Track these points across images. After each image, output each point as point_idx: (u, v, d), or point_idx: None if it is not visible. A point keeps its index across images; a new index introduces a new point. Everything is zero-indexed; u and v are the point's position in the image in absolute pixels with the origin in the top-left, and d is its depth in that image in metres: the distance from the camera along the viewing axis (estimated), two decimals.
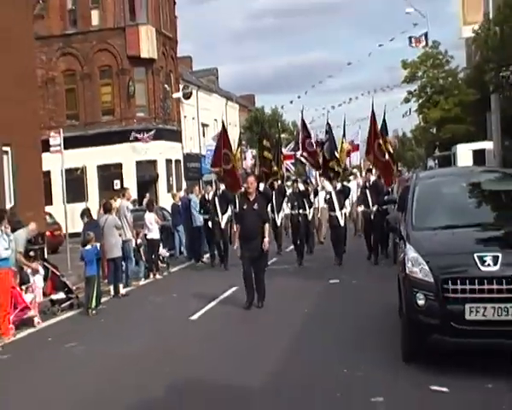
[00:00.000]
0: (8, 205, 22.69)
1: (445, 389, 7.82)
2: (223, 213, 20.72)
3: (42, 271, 15.32)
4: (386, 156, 20.83)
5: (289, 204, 21.98)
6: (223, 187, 21.30)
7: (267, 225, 14.29)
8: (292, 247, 21.56)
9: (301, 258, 20.30)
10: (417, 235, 9.41)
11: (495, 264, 8.28)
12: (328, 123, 24.34)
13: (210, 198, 21.27)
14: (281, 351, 10.23)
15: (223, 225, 20.68)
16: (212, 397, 8.34)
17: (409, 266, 8.86)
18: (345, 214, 21.04)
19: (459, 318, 8.24)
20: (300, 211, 21.01)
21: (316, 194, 23.14)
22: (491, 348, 8.38)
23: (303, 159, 25.09)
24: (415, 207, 10.09)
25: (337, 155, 23.90)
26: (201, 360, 10.23)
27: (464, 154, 33.71)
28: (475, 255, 8.37)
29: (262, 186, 21.47)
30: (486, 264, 8.29)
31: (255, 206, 13.84)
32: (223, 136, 22.34)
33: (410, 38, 44.56)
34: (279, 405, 7.86)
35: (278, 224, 22.67)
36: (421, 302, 8.52)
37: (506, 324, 8.13)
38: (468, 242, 8.87)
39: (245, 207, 14.11)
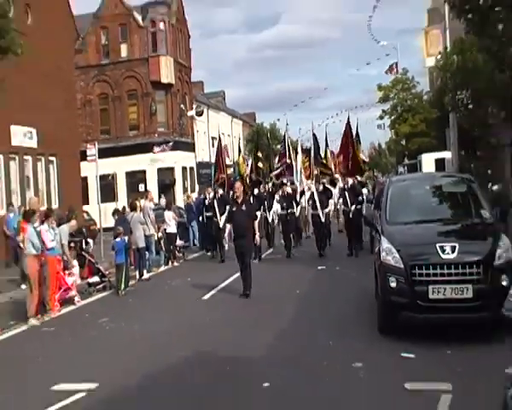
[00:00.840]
0: (54, 205, 22.86)
1: (412, 356, 7.89)
2: (221, 215, 19.53)
3: (76, 263, 15.40)
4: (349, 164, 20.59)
5: (280, 205, 21.14)
6: (221, 191, 20.62)
7: (256, 223, 13.93)
8: (282, 241, 20.82)
9: (289, 250, 19.64)
10: (390, 229, 9.45)
11: (453, 252, 8.35)
12: (313, 134, 24.13)
13: (210, 198, 20.60)
14: (277, 327, 10.24)
15: (221, 225, 19.25)
16: (219, 362, 8.37)
17: (383, 255, 8.92)
18: (328, 213, 20.56)
19: (424, 297, 8.31)
20: (289, 210, 20.24)
21: (302, 195, 22.66)
22: (450, 322, 8.47)
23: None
24: (388, 206, 10.12)
25: (323, 160, 23.77)
26: (211, 333, 10.26)
27: (428, 162, 33.69)
28: (437, 245, 8.44)
29: (256, 191, 21.36)
30: (446, 252, 8.36)
31: (243, 207, 13.34)
32: (220, 149, 22.42)
33: (387, 69, 44.04)
34: (274, 372, 7.84)
35: (270, 221, 21.59)
36: (393, 285, 8.59)
37: (461, 301, 8.24)
38: (431, 234, 8.94)
39: (234, 209, 13.55)
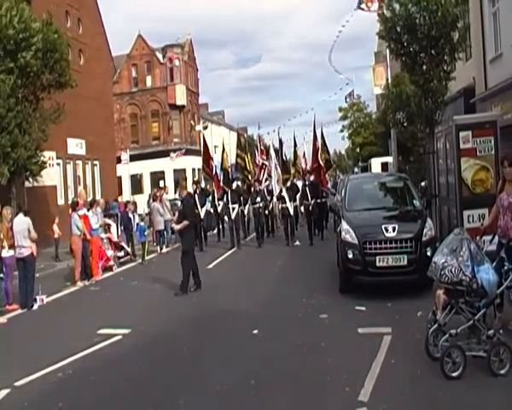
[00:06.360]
0: (98, 196, 22.80)
1: (363, 308, 7.93)
2: (201, 206, 17.00)
3: (114, 225, 15.05)
4: (321, 162, 18.05)
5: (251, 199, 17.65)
6: (202, 185, 18.39)
7: (184, 222, 10.46)
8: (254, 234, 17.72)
9: (261, 240, 16.64)
10: (348, 214, 9.44)
11: (393, 231, 8.36)
12: (280, 140, 20.81)
13: (192, 193, 16.53)
14: (263, 288, 10.21)
15: (202, 216, 16.93)
16: (219, 314, 8.39)
17: (343, 234, 8.90)
18: (296, 206, 17.53)
19: (372, 265, 8.33)
20: (261, 204, 17.12)
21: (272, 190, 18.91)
22: (391, 283, 8.46)
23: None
24: (347, 197, 10.11)
25: (285, 162, 21.25)
26: (213, 292, 10.23)
27: (376, 164, 33.91)
28: (382, 226, 8.44)
29: (234, 185, 18.77)
30: (388, 231, 8.36)
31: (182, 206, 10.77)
32: (207, 154, 18.97)
33: (345, 96, 42.38)
34: (261, 322, 7.83)
35: (246, 214, 18.10)
36: (350, 256, 8.58)
37: (399, 267, 8.28)
38: (378, 218, 8.93)
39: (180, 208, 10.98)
